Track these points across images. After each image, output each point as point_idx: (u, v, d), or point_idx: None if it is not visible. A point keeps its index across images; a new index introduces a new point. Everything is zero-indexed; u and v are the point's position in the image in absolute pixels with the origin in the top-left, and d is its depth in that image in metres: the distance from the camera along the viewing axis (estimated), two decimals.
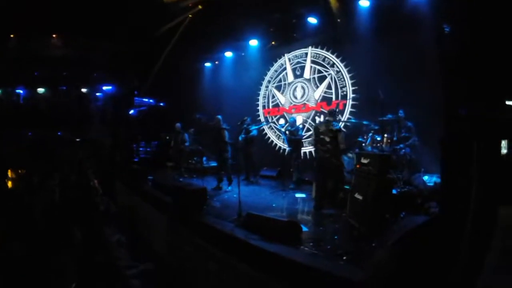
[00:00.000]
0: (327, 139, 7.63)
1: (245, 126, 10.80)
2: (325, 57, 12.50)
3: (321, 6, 10.63)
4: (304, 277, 4.25)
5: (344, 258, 4.69)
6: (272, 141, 14.20)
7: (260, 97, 15.06)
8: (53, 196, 6.73)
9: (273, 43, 14.05)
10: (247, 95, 15.26)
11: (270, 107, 14.63)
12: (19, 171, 10.74)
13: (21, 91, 20.21)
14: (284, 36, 13.35)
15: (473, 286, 3.28)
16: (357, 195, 6.34)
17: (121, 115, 18.19)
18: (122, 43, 16.78)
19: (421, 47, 8.54)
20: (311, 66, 13.02)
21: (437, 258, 3.71)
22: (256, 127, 11.66)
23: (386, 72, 9.50)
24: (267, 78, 14.85)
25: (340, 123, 11.34)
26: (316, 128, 7.83)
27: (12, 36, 17.81)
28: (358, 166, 6.72)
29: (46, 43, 18.32)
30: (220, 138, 10.29)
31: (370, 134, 8.83)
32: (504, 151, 3.89)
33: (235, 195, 8.87)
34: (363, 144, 8.97)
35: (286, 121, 12.57)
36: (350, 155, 9.04)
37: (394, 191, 6.80)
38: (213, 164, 13.06)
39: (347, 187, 7.43)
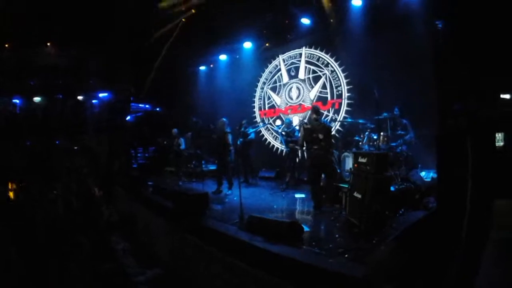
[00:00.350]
0: (321, 136, 7.70)
1: (242, 129, 10.88)
2: (319, 57, 12.58)
3: (314, 6, 10.71)
4: (309, 276, 4.34)
5: (346, 255, 4.76)
6: (269, 143, 14.26)
7: (256, 99, 15.13)
8: (56, 207, 6.78)
9: (267, 44, 14.12)
10: (242, 97, 15.33)
11: (266, 108, 14.70)
12: (20, 182, 10.74)
13: (17, 101, 20.21)
14: (278, 37, 13.43)
15: (471, 277, 3.38)
16: (356, 194, 6.43)
17: (118, 121, 18.20)
18: (116, 49, 16.83)
19: (414, 44, 8.67)
20: (305, 67, 13.10)
21: (437, 251, 3.80)
22: (254, 130, 11.71)
23: (381, 70, 9.59)
24: (262, 79, 14.92)
25: (336, 122, 11.50)
26: (307, 129, 7.81)
27: (6, 45, 17.85)
28: (356, 165, 6.81)
29: (40, 52, 18.39)
30: (224, 141, 10.22)
31: (367, 133, 8.91)
32: (500, 143, 3.97)
33: (235, 198, 8.94)
34: (360, 143, 9.06)
35: (283, 122, 12.65)
36: (347, 154, 9.12)
37: (392, 188, 6.89)
38: (212, 167, 13.10)
39: (346, 185, 7.53)
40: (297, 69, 13.43)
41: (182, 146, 12.91)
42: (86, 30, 15.66)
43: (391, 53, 9.60)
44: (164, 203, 8.80)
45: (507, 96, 4.38)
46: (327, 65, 12.31)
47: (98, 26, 15.17)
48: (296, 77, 13.46)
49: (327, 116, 12.05)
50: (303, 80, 13.14)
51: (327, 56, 12.30)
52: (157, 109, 20.17)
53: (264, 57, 14.70)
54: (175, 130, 13.26)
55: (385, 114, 8.55)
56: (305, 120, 10.75)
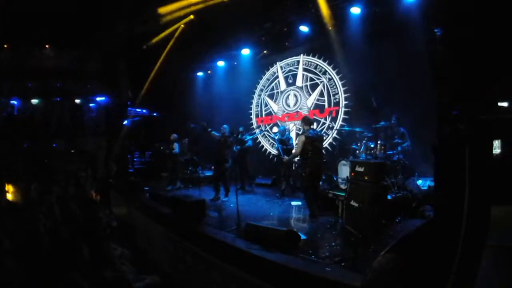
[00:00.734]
0: (320, 146, 7.81)
1: (240, 136, 10.89)
2: (317, 64, 12.64)
3: (312, 14, 10.75)
4: (306, 284, 4.35)
5: (343, 264, 4.77)
6: (266, 150, 14.28)
7: (253, 106, 15.17)
8: (55, 211, 6.74)
9: (265, 51, 14.16)
10: (240, 104, 15.37)
11: (263, 115, 14.74)
12: (18, 185, 10.68)
13: (15, 102, 20.20)
14: (276, 45, 13.48)
15: (469, 284, 3.39)
16: (353, 202, 6.47)
17: (115, 125, 18.18)
18: (115, 53, 16.86)
19: (412, 53, 8.69)
20: (303, 74, 13.15)
21: (434, 259, 3.81)
22: (251, 137, 11.69)
23: (378, 79, 9.64)
24: (259, 86, 14.97)
25: (333, 130, 11.53)
26: (308, 137, 7.85)
27: (5, 46, 17.87)
28: (353, 174, 6.84)
29: (39, 54, 18.41)
30: (225, 147, 10.22)
31: (364, 141, 8.94)
32: (497, 150, 4.00)
33: (232, 205, 8.98)
34: (357, 152, 9.08)
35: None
36: (344, 162, 9.13)
37: (389, 197, 6.91)
38: (209, 173, 13.08)
39: (342, 194, 7.55)
40: (294, 76, 13.48)
41: (176, 150, 12.86)
42: (85, 33, 15.69)
43: (389, 61, 9.66)
44: (162, 210, 8.81)
45: (504, 104, 4.40)
46: (324, 72, 12.36)
47: (97, 29, 15.20)
48: (293, 84, 13.50)
49: (324, 124, 12.09)
50: (301, 88, 13.18)
51: (325, 64, 12.36)
52: (154, 114, 20.17)
53: (262, 64, 14.75)
54: (174, 135, 13.26)
55: (382, 122, 8.59)
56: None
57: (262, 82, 14.89)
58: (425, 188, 7.72)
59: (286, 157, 9.23)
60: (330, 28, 10.57)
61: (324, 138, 8.26)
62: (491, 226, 3.49)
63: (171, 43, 14.31)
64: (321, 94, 12.43)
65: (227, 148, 10.24)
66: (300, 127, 12.05)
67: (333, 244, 5.88)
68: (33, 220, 5.50)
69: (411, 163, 8.54)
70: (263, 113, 14.74)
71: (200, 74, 17.69)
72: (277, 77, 14.21)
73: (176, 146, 12.88)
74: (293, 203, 9.39)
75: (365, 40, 10.07)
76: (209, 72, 17.25)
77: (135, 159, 17.61)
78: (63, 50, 18.35)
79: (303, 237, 5.99)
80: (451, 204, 3.85)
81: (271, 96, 14.44)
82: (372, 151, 8.57)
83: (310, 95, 12.82)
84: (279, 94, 14.07)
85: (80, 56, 18.44)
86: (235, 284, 5.33)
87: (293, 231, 5.74)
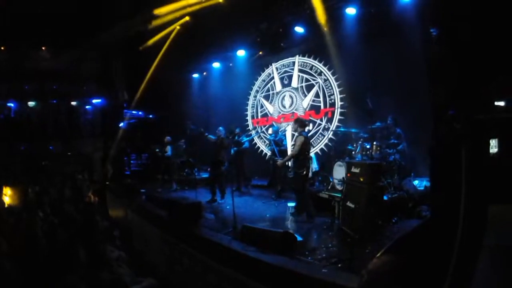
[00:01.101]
0: (310, 147, 7.98)
1: (236, 138, 10.86)
2: (313, 65, 12.64)
3: (308, 15, 10.71)
4: (302, 286, 4.34)
5: (340, 265, 4.77)
6: (262, 151, 14.27)
7: (249, 107, 15.15)
8: (52, 213, 6.73)
9: (260, 52, 14.08)
10: (235, 105, 15.37)
11: (259, 117, 14.73)
12: (15, 187, 10.62)
13: (12, 105, 20.15)
14: (271, 46, 13.35)
15: (466, 284, 3.39)
16: (349, 203, 6.47)
17: (111, 128, 18.14)
18: (110, 55, 16.83)
19: (408, 53, 8.70)
20: (298, 75, 13.15)
21: (431, 260, 3.81)
22: (247, 138, 11.68)
23: (374, 79, 9.66)
24: (255, 87, 14.96)
25: (329, 131, 11.52)
26: (307, 137, 7.90)
27: (2, 49, 17.80)
28: (348, 174, 6.84)
29: (35, 56, 18.36)
30: (221, 149, 10.22)
31: (360, 142, 8.93)
32: (494, 150, 4.00)
33: (228, 207, 8.92)
34: (353, 152, 9.06)
35: None
36: (340, 163, 9.12)
37: (385, 197, 6.92)
38: (205, 175, 13.04)
39: (338, 195, 7.54)
40: (290, 77, 13.48)
41: (169, 153, 12.82)
42: (81, 35, 15.65)
43: (384, 62, 9.67)
44: (158, 212, 8.78)
45: (501, 103, 4.40)
46: (320, 73, 12.36)
47: (93, 31, 15.16)
48: (289, 85, 13.50)
49: (320, 125, 12.09)
50: (296, 89, 13.18)
51: (320, 65, 12.36)
52: (150, 116, 20.12)
53: (257, 65, 14.72)
54: (168, 138, 13.20)
55: (378, 123, 8.59)
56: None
57: (257, 83, 14.88)
58: (422, 188, 7.73)
59: (280, 160, 9.21)
60: (325, 29, 10.55)
61: (319, 139, 8.28)
62: (488, 226, 3.49)
63: (166, 44, 14.27)
64: (317, 95, 12.43)
65: (223, 150, 10.24)
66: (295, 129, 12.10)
67: (330, 245, 5.89)
68: (30, 223, 5.49)
69: (407, 164, 8.55)
70: (259, 114, 14.73)
71: (195, 75, 17.62)
72: (273, 78, 14.20)
73: (168, 149, 12.84)
74: (290, 204, 9.36)
75: (360, 41, 10.08)
76: (204, 73, 17.21)
77: (131, 161, 17.54)
78: (59, 52, 18.28)
79: (299, 238, 5.98)
80: (448, 204, 3.85)
81: (266, 97, 14.43)
82: (368, 152, 8.57)
83: (305, 96, 12.82)
84: (275, 95, 14.06)
85: (76, 58, 18.37)
86: (232, 286, 5.32)
87: (289, 232, 5.72)
